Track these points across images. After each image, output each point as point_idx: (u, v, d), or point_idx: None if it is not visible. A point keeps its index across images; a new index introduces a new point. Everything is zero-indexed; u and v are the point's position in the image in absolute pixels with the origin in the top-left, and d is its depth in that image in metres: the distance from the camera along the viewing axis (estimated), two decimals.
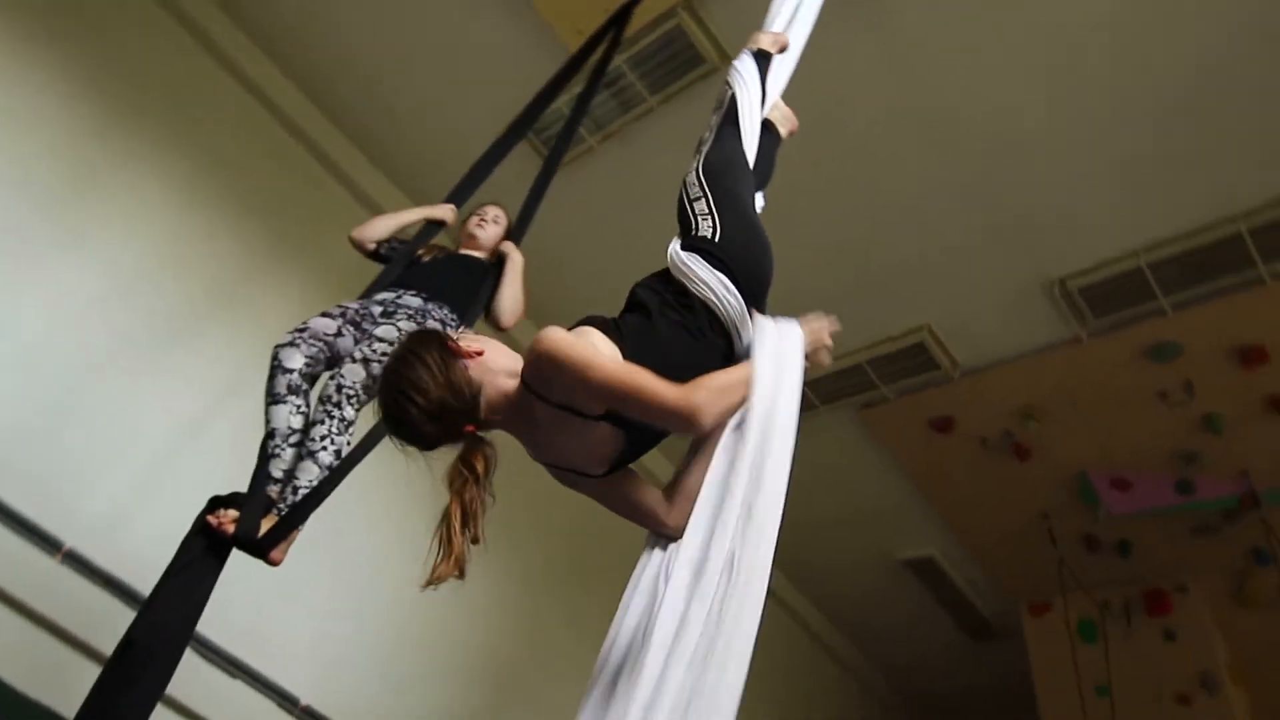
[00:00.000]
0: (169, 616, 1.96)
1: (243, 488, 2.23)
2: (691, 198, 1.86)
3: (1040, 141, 3.55)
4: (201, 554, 2.03)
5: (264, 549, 2.06)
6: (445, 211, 2.90)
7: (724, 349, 1.65)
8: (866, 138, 3.69)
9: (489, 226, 3.01)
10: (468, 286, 2.74)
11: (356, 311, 2.47)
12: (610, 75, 3.76)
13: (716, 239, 1.74)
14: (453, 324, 2.56)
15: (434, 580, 1.40)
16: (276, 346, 2.36)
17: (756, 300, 1.72)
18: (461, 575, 1.41)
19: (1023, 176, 3.67)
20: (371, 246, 2.86)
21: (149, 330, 3.56)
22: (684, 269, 1.70)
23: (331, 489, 2.13)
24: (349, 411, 2.21)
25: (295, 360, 2.31)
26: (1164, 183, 3.53)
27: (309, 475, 2.13)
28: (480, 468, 1.46)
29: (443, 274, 2.76)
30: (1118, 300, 3.89)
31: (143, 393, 3.44)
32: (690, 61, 3.64)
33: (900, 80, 3.49)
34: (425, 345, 1.52)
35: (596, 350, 1.49)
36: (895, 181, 3.81)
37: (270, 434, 2.23)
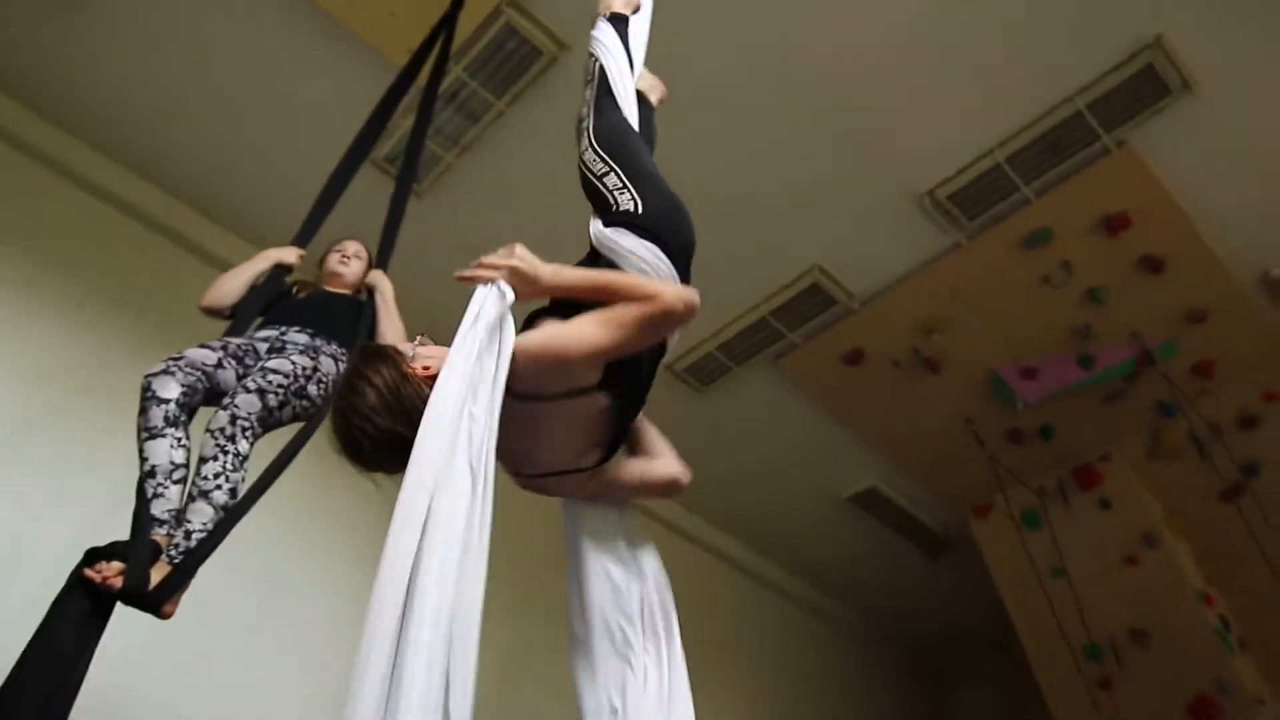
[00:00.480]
0: (41, 689, 1.73)
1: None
2: (598, 174, 1.83)
3: (881, 69, 3.65)
4: (80, 615, 1.82)
5: (156, 602, 1.88)
6: (291, 254, 2.77)
7: None
8: (717, 91, 3.73)
9: (352, 262, 2.88)
10: (349, 321, 2.65)
11: (239, 347, 2.35)
12: (452, 88, 3.72)
13: (640, 211, 1.74)
14: (342, 358, 2.48)
15: None
16: (148, 376, 2.13)
17: (684, 268, 1.74)
18: None
19: (871, 105, 3.78)
20: (228, 310, 2.69)
21: (22, 447, 3.34)
22: (612, 244, 1.69)
23: (228, 531, 1.99)
24: (243, 445, 2.07)
25: (171, 389, 2.10)
26: (999, 80, 3.67)
27: (202, 517, 1.96)
28: None
29: (322, 310, 2.67)
30: (985, 199, 4.04)
31: (23, 517, 3.23)
32: (528, 56, 3.62)
33: (745, 28, 3.54)
34: (375, 367, 1.47)
35: (563, 324, 1.51)
36: (754, 131, 3.87)
37: (150, 472, 2.02)
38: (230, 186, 4.11)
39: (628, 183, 1.78)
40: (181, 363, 2.18)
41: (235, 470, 2.02)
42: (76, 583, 1.85)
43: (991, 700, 6.60)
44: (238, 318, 2.57)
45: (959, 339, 4.61)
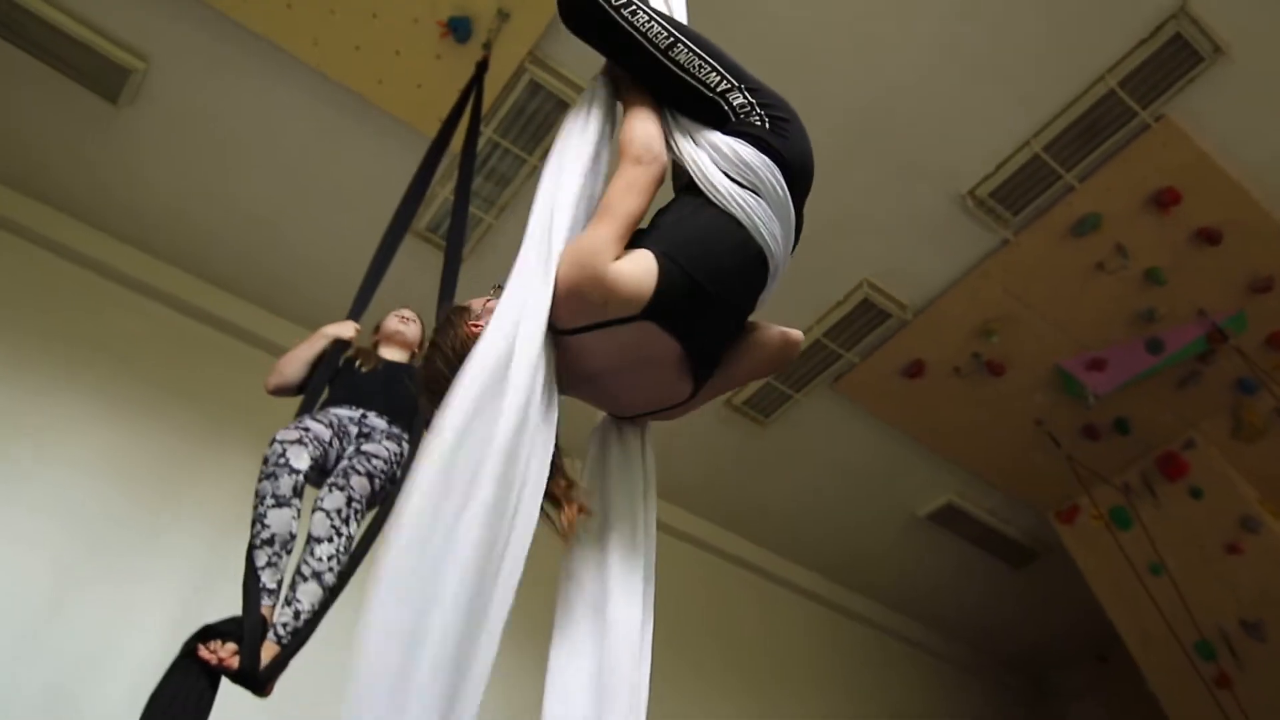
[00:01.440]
0: None
1: None
2: (701, 77, 1.59)
3: (906, 77, 3.66)
4: (194, 692, 1.80)
5: (262, 682, 1.88)
6: (347, 329, 2.81)
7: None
8: None
9: (411, 324, 2.94)
10: (413, 396, 2.67)
11: (339, 424, 2.36)
12: (484, 150, 3.79)
13: (767, 126, 1.56)
14: (406, 441, 2.48)
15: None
16: (281, 441, 2.12)
17: (799, 200, 1.59)
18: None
19: (900, 113, 3.77)
20: (294, 387, 2.71)
21: (108, 548, 3.40)
22: (728, 152, 1.51)
23: (325, 613, 1.99)
24: (354, 528, 2.07)
25: (303, 460, 2.09)
26: (1026, 71, 3.65)
27: (312, 599, 1.95)
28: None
29: (388, 387, 2.68)
30: (1027, 191, 3.99)
31: (121, 610, 3.27)
32: (555, 110, 3.69)
33: (767, 51, 3.58)
34: (444, 332, 1.48)
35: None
36: None
37: (268, 540, 2.00)
38: (291, 277, 4.21)
39: (743, 89, 1.60)
40: (310, 435, 2.17)
41: (344, 553, 2.02)
42: (189, 659, 1.83)
43: (1103, 714, 6.29)
44: (307, 394, 2.59)
45: (1019, 338, 4.51)
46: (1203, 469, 4.92)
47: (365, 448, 2.26)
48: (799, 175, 1.57)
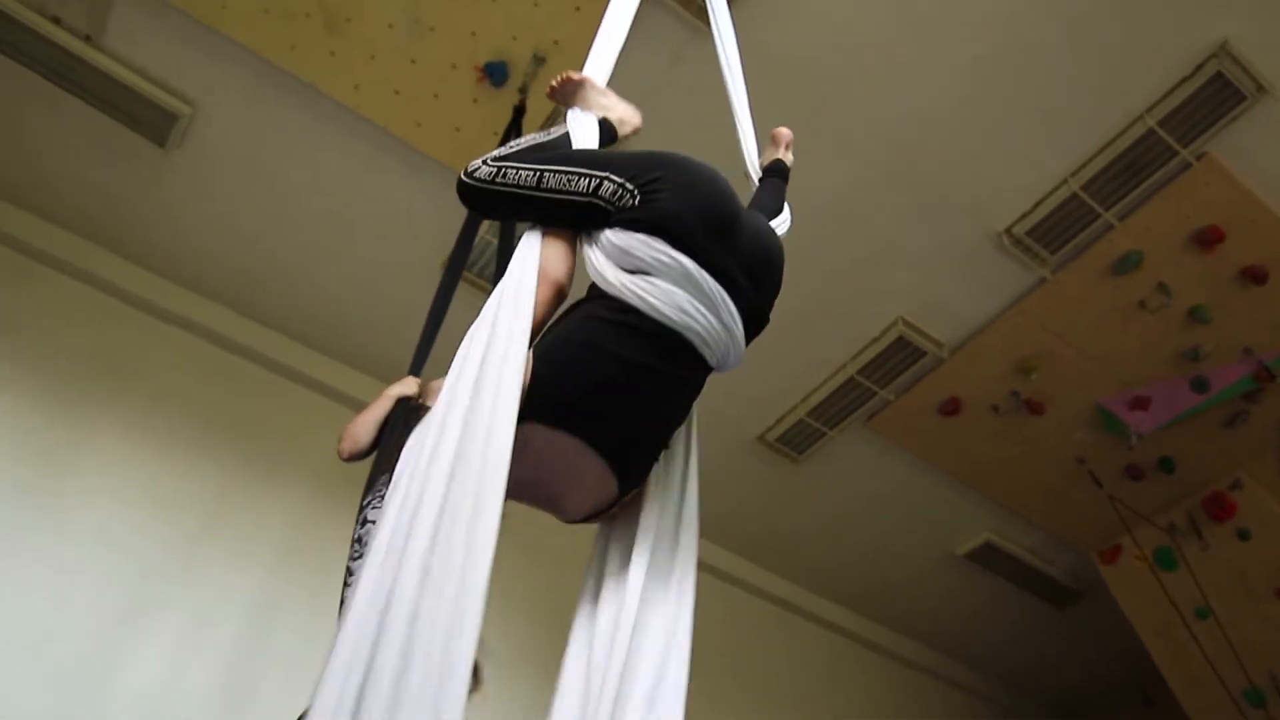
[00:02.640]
0: None
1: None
2: (572, 190, 1.67)
3: (942, 114, 3.64)
4: None
5: None
6: (410, 386, 2.82)
7: None
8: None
9: None
10: None
11: None
12: None
13: (637, 201, 1.63)
14: None
15: None
16: (371, 521, 2.09)
17: (723, 243, 1.62)
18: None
19: (936, 150, 3.76)
20: (366, 451, 2.72)
21: (152, 584, 3.45)
22: (608, 245, 1.60)
23: None
24: None
25: None
26: (1064, 108, 3.62)
27: None
28: None
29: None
30: (1066, 230, 3.94)
31: (166, 646, 3.32)
32: None
33: (797, 90, 3.60)
34: None
35: None
36: (816, 191, 3.87)
37: None
38: (333, 315, 4.28)
39: None
40: None
41: None
42: None
43: None
44: (379, 457, 2.58)
45: (1058, 376, 4.45)
46: (1251, 510, 4.80)
47: None
48: (691, 226, 1.53)
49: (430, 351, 2.88)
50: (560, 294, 1.57)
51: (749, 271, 1.57)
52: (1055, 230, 3.94)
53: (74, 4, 3.36)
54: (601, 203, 1.56)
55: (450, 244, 3.99)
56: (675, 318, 1.47)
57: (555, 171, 1.59)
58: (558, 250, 1.59)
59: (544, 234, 1.61)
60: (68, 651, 3.13)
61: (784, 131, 2.23)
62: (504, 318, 1.40)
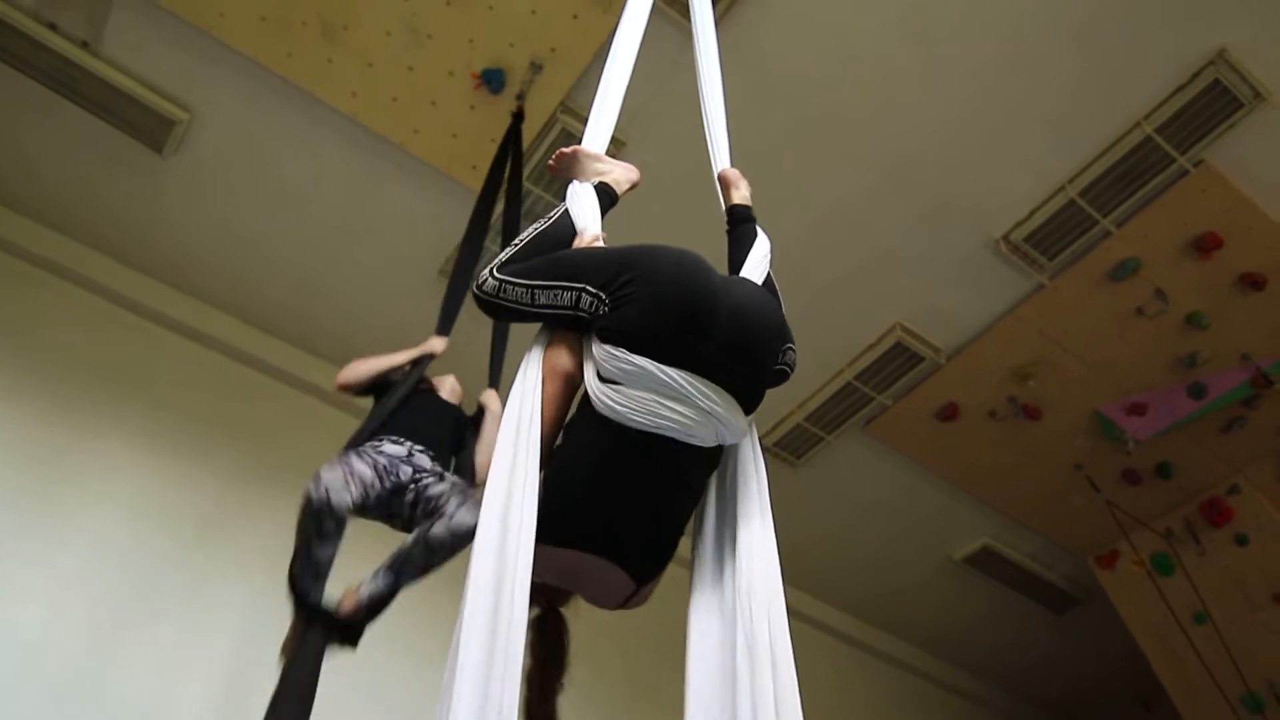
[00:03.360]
0: None
1: None
2: (560, 305, 1.77)
3: (938, 121, 3.65)
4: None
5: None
6: (439, 344, 2.82)
7: None
8: (771, 163, 3.76)
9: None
10: (457, 441, 2.66)
11: (387, 465, 2.35)
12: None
13: (607, 310, 1.72)
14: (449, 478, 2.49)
15: None
16: (327, 484, 2.18)
17: (698, 331, 1.68)
18: None
19: (932, 157, 3.76)
20: (356, 388, 2.72)
21: (152, 590, 3.46)
22: (592, 355, 1.71)
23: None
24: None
25: (345, 501, 2.18)
26: (1061, 116, 3.62)
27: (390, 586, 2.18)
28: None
29: (440, 427, 2.65)
30: (1063, 236, 3.94)
31: (163, 653, 3.32)
32: None
33: (793, 100, 3.60)
34: None
35: None
36: (814, 199, 3.88)
37: (308, 568, 2.23)
38: (314, 315, 4.28)
39: None
40: (354, 475, 2.23)
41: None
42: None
43: None
44: (377, 410, 2.58)
45: (1056, 382, 4.45)
46: (1249, 515, 4.80)
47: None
48: (657, 329, 1.55)
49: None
50: (572, 383, 1.65)
51: (735, 352, 1.58)
52: (1053, 237, 3.94)
53: (71, 10, 3.36)
54: (584, 314, 1.62)
55: (448, 249, 4.03)
56: (646, 421, 1.51)
57: (544, 288, 1.66)
58: (563, 347, 1.67)
59: (551, 334, 1.71)
60: (65, 658, 3.13)
61: (730, 173, 2.22)
62: (520, 451, 1.50)
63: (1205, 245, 3.90)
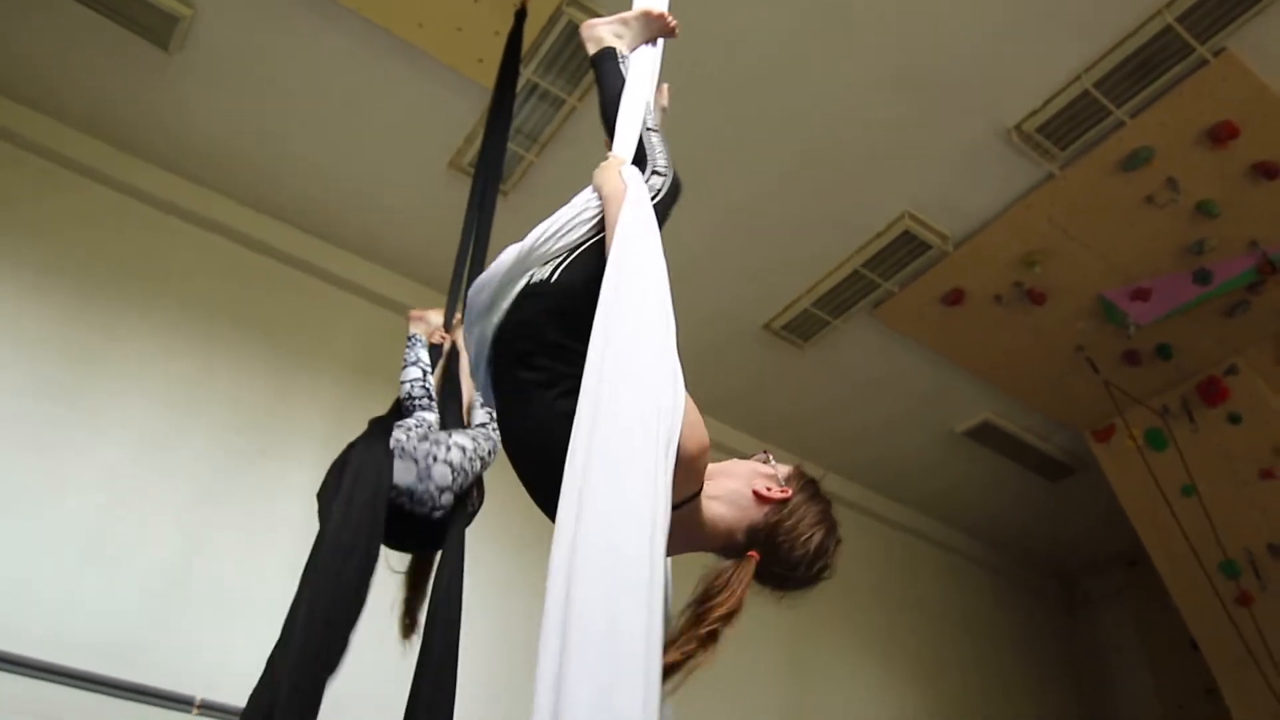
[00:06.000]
0: None
1: None
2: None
3: (952, 8, 3.55)
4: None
5: None
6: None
7: None
8: (783, 53, 3.71)
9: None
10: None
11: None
12: (525, 90, 3.82)
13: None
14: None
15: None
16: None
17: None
18: None
19: (945, 45, 3.68)
20: None
21: (195, 476, 3.71)
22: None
23: None
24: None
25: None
26: (1078, 4, 3.51)
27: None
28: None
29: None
30: (1076, 126, 3.89)
31: (228, 543, 3.60)
32: None
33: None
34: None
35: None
36: (824, 86, 3.83)
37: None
38: (327, 203, 4.37)
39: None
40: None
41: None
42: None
43: (1132, 617, 6.51)
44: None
45: (1062, 268, 4.49)
46: (1244, 395, 4.92)
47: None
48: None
49: (462, 286, 2.87)
50: None
51: None
52: (1065, 127, 3.89)
53: None
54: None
55: (457, 142, 4.05)
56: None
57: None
58: None
59: None
60: (120, 542, 3.41)
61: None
62: None
63: (1220, 135, 3.84)
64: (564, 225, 1.62)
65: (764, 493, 1.48)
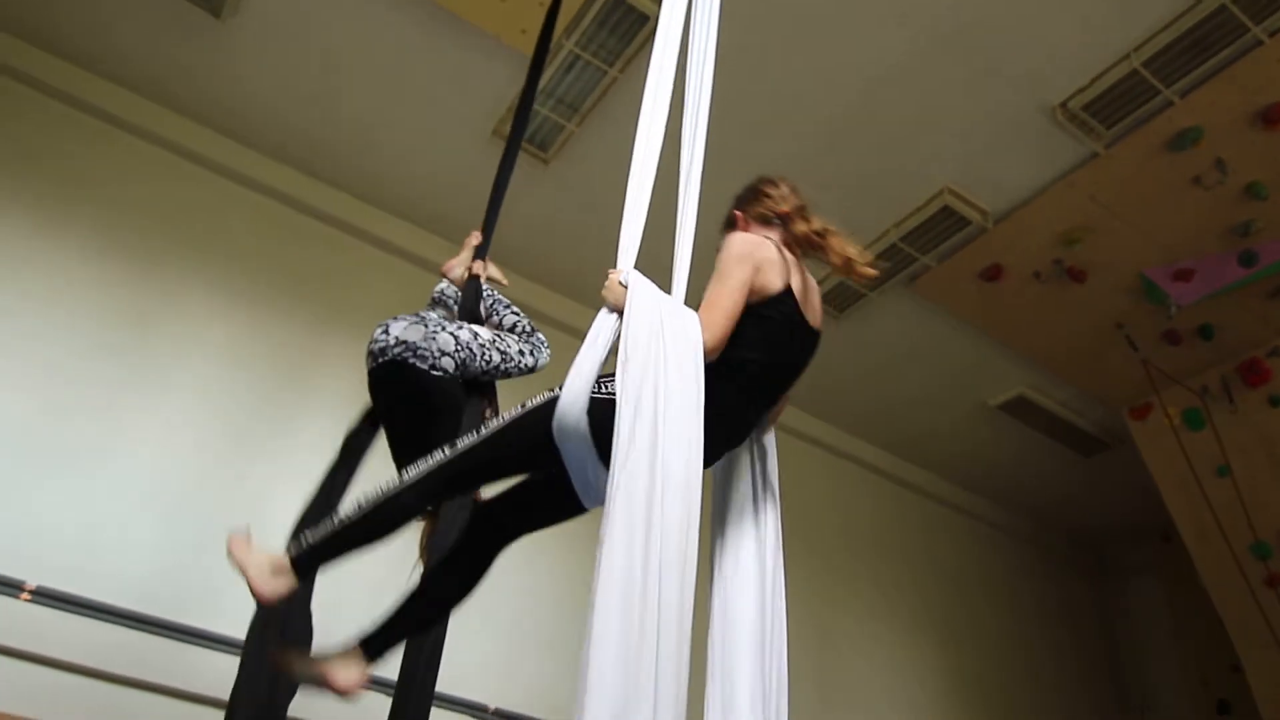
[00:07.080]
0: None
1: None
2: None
3: None
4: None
5: None
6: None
7: None
8: (826, 20, 3.68)
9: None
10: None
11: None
12: (566, 60, 3.85)
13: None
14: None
15: None
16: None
17: None
18: None
19: (992, 19, 3.62)
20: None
21: (241, 430, 3.87)
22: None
23: None
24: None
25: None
26: None
27: None
28: None
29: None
30: (1123, 106, 3.84)
31: (264, 482, 3.76)
32: (635, 23, 3.69)
33: None
34: None
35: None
36: (867, 56, 3.80)
37: None
38: (373, 168, 4.46)
39: None
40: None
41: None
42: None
43: (1161, 589, 6.53)
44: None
45: (1104, 246, 4.45)
46: None
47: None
48: None
49: (494, 227, 3.00)
50: None
51: None
52: (1112, 106, 3.84)
53: None
54: None
55: (500, 110, 4.11)
56: None
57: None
58: None
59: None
60: (176, 492, 3.59)
61: None
62: None
63: (1272, 116, 3.77)
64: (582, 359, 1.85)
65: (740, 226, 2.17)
